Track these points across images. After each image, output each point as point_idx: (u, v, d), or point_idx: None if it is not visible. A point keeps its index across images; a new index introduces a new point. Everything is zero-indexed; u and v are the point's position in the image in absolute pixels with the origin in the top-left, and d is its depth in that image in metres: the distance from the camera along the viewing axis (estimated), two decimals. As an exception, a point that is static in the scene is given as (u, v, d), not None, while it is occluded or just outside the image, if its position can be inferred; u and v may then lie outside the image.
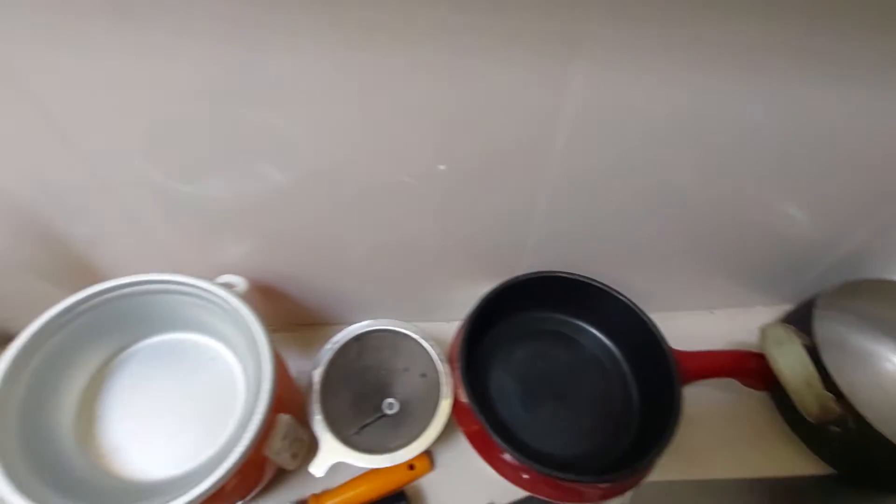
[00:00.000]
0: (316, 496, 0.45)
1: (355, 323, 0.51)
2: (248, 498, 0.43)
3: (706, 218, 0.50)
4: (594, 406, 0.49)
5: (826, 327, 0.48)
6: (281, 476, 0.46)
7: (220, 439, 0.40)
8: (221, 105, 0.32)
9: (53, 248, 0.43)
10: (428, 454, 0.48)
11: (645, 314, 0.47)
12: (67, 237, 0.43)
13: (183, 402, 0.41)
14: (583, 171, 0.41)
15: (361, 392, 0.50)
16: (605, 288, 0.48)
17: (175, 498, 0.32)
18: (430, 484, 0.48)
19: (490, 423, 0.40)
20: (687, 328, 0.55)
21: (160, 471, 0.38)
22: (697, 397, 0.52)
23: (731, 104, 0.36)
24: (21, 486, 0.30)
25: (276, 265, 0.50)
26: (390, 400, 0.51)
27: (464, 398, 0.42)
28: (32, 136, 0.33)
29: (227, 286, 0.42)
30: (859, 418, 0.42)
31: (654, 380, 0.47)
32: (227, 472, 0.33)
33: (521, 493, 0.45)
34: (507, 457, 0.40)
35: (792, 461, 0.51)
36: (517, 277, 0.49)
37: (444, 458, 0.49)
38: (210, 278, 0.42)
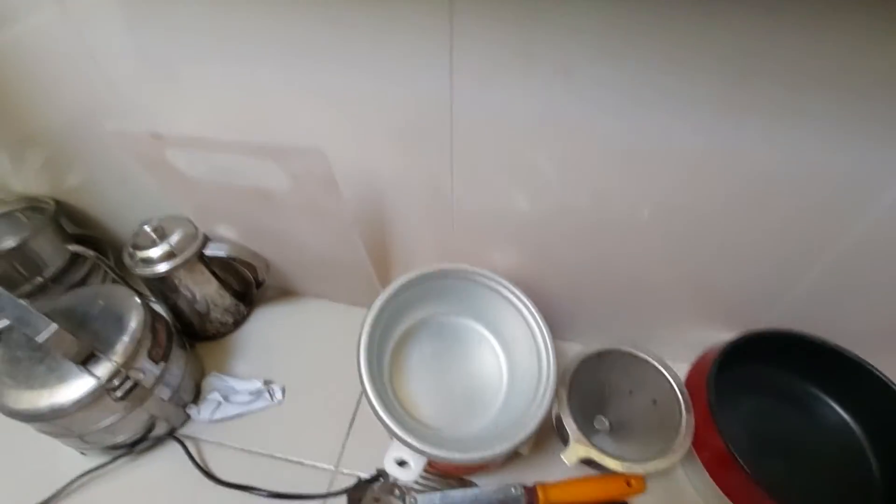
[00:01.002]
0: (542, 486, 0.50)
1: (574, 340, 0.56)
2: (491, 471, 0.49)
3: None
4: (826, 479, 0.48)
5: None
6: (512, 458, 0.52)
7: (485, 417, 0.47)
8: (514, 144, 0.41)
9: (375, 229, 0.55)
10: (644, 477, 0.51)
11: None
12: (389, 220, 0.54)
13: (455, 374, 0.49)
14: (874, 245, 0.42)
15: (585, 403, 0.54)
16: (863, 363, 0.48)
17: (474, 451, 0.39)
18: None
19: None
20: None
21: (436, 424, 0.46)
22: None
23: None
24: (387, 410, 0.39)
25: (525, 275, 0.57)
26: (601, 417, 0.55)
27: (715, 426, 0.45)
28: (433, 140, 0.43)
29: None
30: None
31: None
32: (521, 443, 0.40)
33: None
34: (752, 489, 0.42)
35: None
36: (767, 330, 0.50)
37: (655, 483, 0.52)
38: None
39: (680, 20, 0.31)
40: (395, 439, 0.39)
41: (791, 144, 0.36)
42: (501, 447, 0.39)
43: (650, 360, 0.52)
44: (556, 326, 0.62)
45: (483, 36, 0.34)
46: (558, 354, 0.51)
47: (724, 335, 0.53)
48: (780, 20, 0.30)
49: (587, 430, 0.53)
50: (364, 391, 0.40)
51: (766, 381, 0.54)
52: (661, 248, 0.48)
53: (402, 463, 0.40)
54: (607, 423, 0.55)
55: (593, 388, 0.55)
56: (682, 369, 0.54)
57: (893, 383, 0.46)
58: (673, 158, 0.39)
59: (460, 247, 0.55)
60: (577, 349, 0.55)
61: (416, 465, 0.40)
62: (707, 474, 0.47)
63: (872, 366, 0.47)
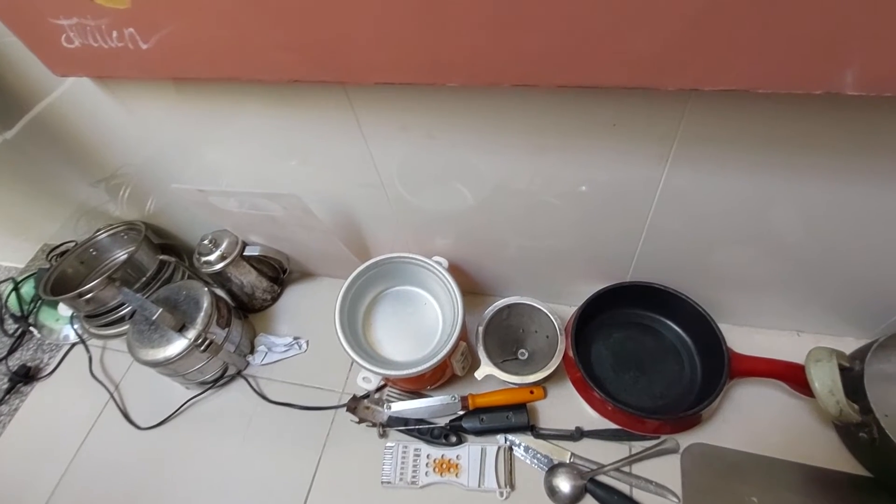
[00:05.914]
0: (472, 395, 0.74)
1: (504, 297, 0.78)
2: (436, 385, 0.74)
3: (801, 259, 0.62)
4: (665, 380, 0.69)
5: (883, 355, 0.60)
6: (452, 379, 0.77)
7: (426, 349, 0.71)
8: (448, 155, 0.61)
9: (352, 230, 0.79)
10: (543, 388, 0.74)
11: (713, 320, 0.65)
12: (358, 225, 0.78)
13: (408, 325, 0.74)
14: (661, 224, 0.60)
15: (505, 340, 0.77)
16: (685, 297, 0.67)
17: (409, 369, 0.64)
18: (541, 406, 0.74)
19: (587, 373, 0.64)
20: (766, 343, 0.70)
21: (396, 356, 0.71)
22: (763, 394, 0.69)
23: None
24: (352, 347, 0.64)
25: (463, 253, 0.79)
26: (522, 350, 0.78)
27: (571, 354, 0.67)
28: (368, 178, 0.66)
29: (439, 263, 0.72)
30: (881, 428, 0.56)
31: (713, 369, 0.65)
32: (434, 364, 0.64)
33: (601, 425, 0.69)
34: (597, 394, 0.64)
35: (832, 458, 0.64)
36: (622, 282, 0.70)
37: (553, 392, 0.75)
38: (428, 258, 0.73)
39: (493, 111, 0.51)
40: (357, 364, 0.64)
41: (588, 171, 0.55)
42: (418, 368, 0.63)
43: (542, 308, 0.73)
44: (485, 286, 0.85)
45: (375, 119, 0.56)
46: (486, 305, 0.75)
47: (600, 286, 0.73)
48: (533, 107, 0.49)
49: (505, 358, 0.76)
50: (336, 334, 0.66)
51: (626, 318, 0.75)
52: (560, 220, 0.67)
53: (365, 379, 0.66)
54: (527, 353, 0.78)
55: (511, 329, 0.77)
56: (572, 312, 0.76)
57: (697, 303, 0.67)
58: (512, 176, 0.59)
59: (408, 237, 0.78)
60: (497, 301, 0.77)
61: (374, 379, 0.66)
62: (568, 380, 0.69)
63: (685, 294, 0.68)
